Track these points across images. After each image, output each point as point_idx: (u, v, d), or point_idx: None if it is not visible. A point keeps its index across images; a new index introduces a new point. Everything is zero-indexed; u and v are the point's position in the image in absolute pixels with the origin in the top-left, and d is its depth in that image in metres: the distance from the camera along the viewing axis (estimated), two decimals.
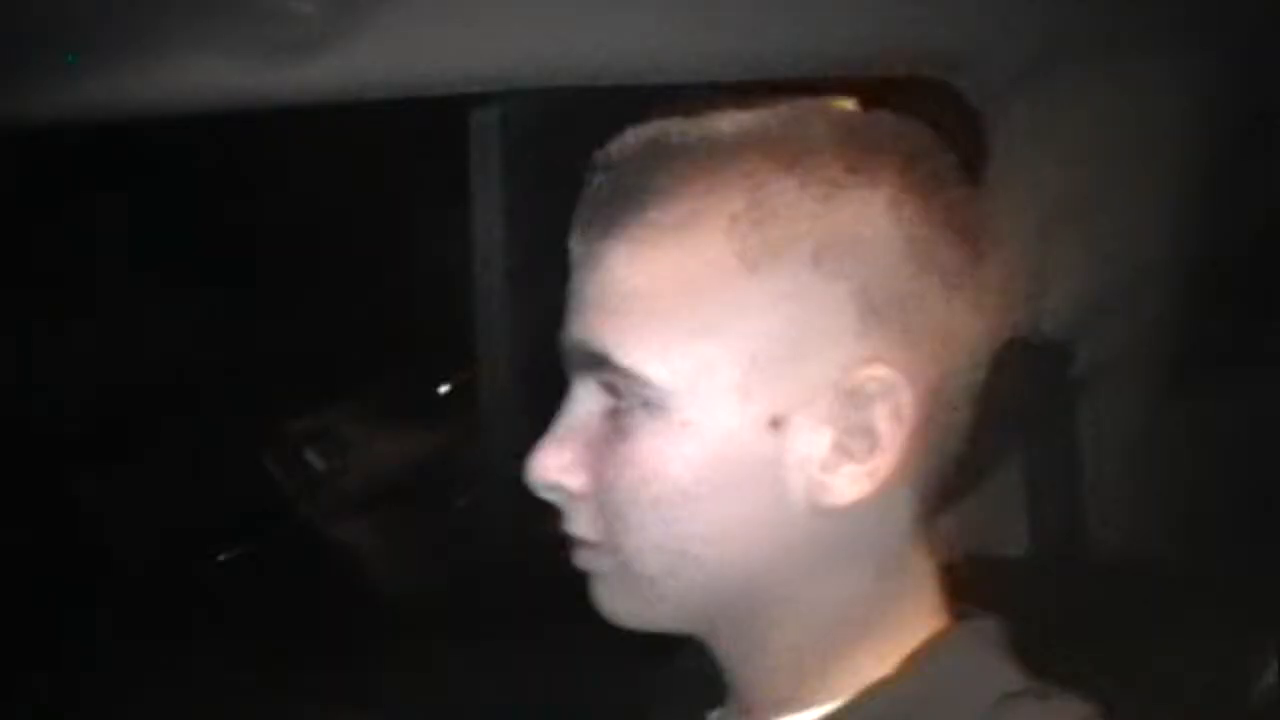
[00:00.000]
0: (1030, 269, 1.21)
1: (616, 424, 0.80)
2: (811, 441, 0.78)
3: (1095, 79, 1.23)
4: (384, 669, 1.87)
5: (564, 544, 0.85)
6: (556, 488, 0.82)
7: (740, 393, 0.77)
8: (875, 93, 0.86)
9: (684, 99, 0.84)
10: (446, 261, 1.84)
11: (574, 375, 0.83)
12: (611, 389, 0.80)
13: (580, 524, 0.83)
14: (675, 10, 1.10)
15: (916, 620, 0.83)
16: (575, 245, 0.82)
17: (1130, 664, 0.92)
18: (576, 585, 0.85)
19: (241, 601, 1.99)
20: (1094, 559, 1.29)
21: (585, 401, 0.82)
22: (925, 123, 0.83)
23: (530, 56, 1.15)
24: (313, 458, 1.90)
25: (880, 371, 0.77)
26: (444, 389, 2.04)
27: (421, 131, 1.70)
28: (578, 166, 0.83)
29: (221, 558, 2.04)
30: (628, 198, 0.79)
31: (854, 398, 0.77)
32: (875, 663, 0.82)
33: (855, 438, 0.78)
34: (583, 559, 0.84)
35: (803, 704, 0.83)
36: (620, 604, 0.83)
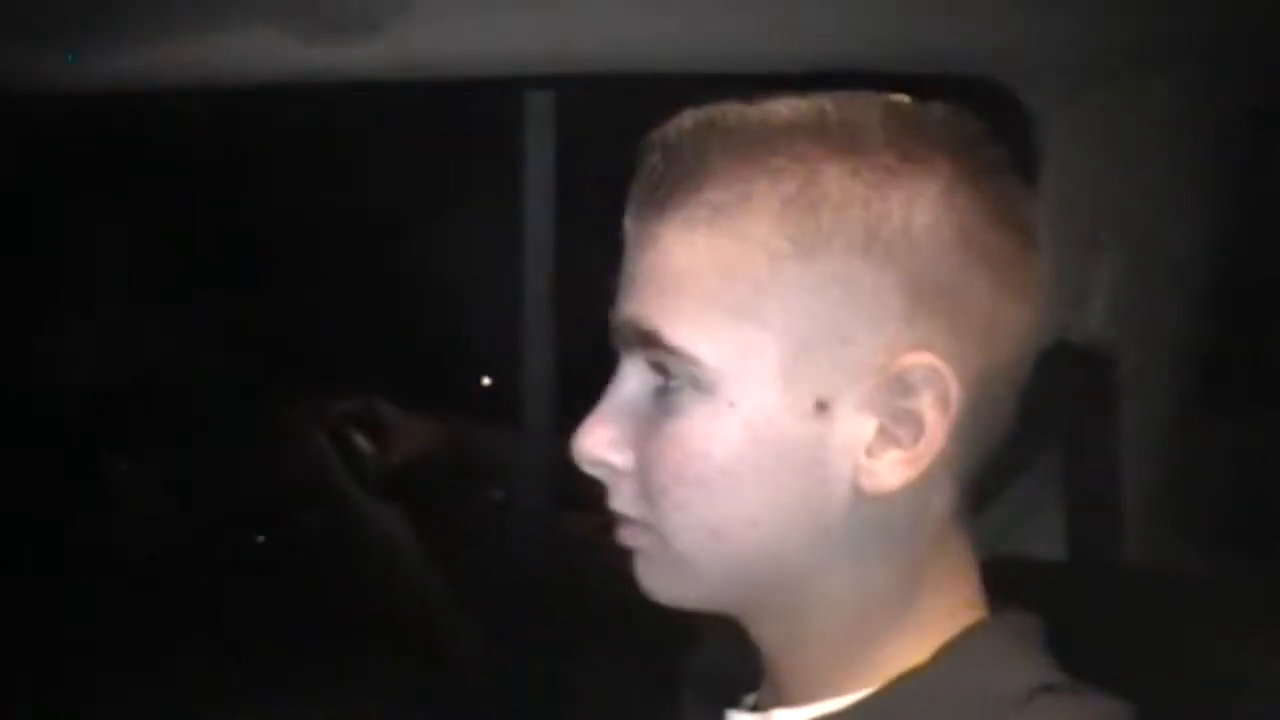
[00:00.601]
0: (1076, 271, 1.21)
1: (663, 402, 0.80)
2: (856, 426, 0.78)
3: (1148, 85, 1.23)
4: (405, 659, 1.88)
5: (600, 536, 0.85)
6: (602, 464, 0.83)
7: (787, 375, 0.78)
8: (928, 90, 0.85)
9: (731, 89, 0.84)
10: (493, 251, 1.85)
11: (623, 353, 0.83)
12: (660, 367, 0.80)
13: (623, 500, 0.83)
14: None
15: (952, 611, 0.83)
16: (629, 224, 0.83)
17: (1157, 668, 0.91)
18: (605, 582, 0.85)
19: (268, 587, 2.00)
20: (1126, 564, 1.28)
21: (633, 379, 0.83)
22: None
23: (579, 41, 1.15)
24: (361, 440, 1.90)
25: (927, 359, 0.77)
26: (486, 381, 2.05)
27: (474, 116, 1.71)
28: (627, 154, 0.83)
29: (260, 539, 2.05)
30: (682, 178, 0.79)
31: (900, 384, 0.78)
32: (909, 651, 0.82)
33: (900, 424, 0.78)
34: (625, 535, 0.84)
35: (837, 689, 0.83)
36: (660, 581, 0.84)
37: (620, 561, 0.86)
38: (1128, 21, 1.17)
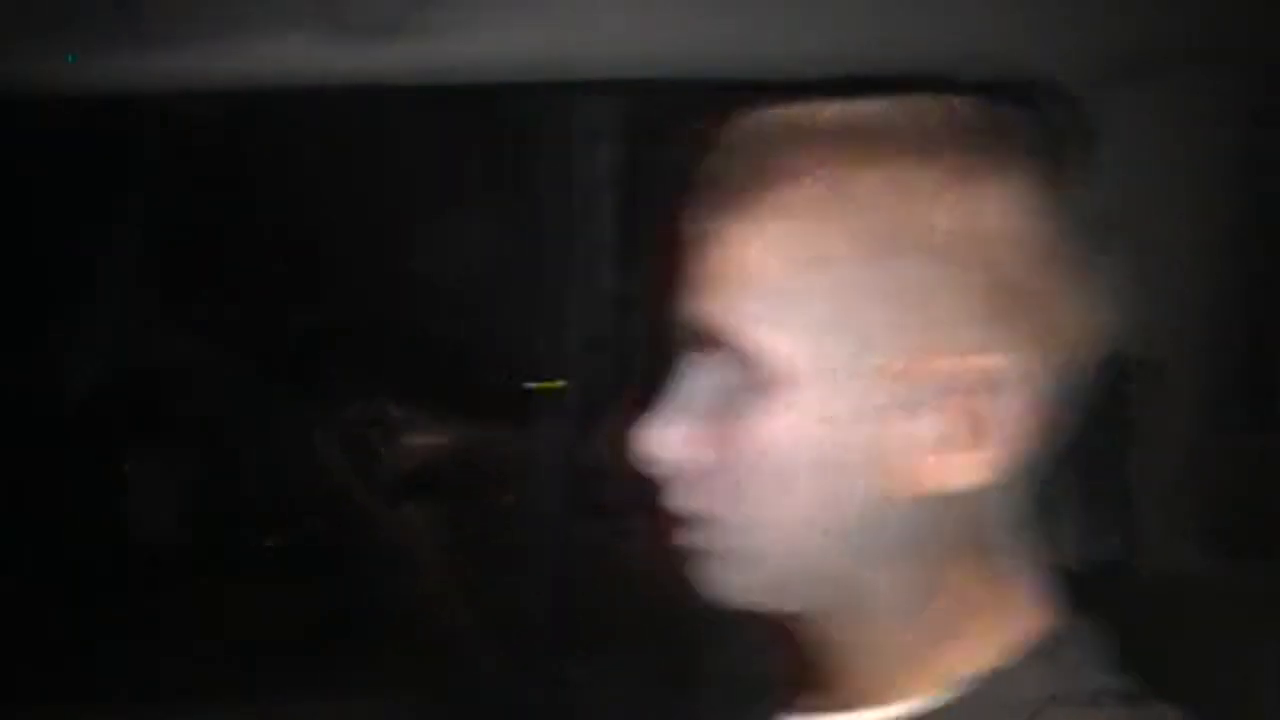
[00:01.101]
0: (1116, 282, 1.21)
1: (730, 401, 0.80)
2: (924, 427, 0.78)
3: (1191, 89, 1.23)
4: (409, 659, 1.88)
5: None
6: (666, 462, 0.83)
7: (856, 375, 0.78)
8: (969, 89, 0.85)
9: (773, 96, 0.83)
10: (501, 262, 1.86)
11: (686, 352, 0.83)
12: (727, 366, 0.80)
13: (685, 499, 0.83)
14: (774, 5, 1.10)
15: (1020, 613, 0.83)
16: (691, 224, 0.82)
17: (1173, 673, 0.92)
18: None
19: (280, 587, 2.00)
20: (1138, 569, 1.29)
21: (698, 378, 0.82)
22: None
23: (607, 49, 1.15)
24: (374, 439, 1.89)
25: (1000, 362, 0.77)
26: (532, 385, 2.05)
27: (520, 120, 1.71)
28: (673, 162, 0.83)
29: (269, 544, 2.05)
30: (752, 176, 0.79)
31: (970, 387, 0.77)
32: (974, 655, 0.82)
33: (969, 426, 0.78)
34: (687, 535, 0.84)
35: (900, 693, 0.83)
36: (725, 581, 0.83)
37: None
38: (1167, 26, 1.18)
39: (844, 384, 0.78)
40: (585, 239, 1.75)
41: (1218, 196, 1.28)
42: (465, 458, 1.91)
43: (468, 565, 1.93)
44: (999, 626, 0.82)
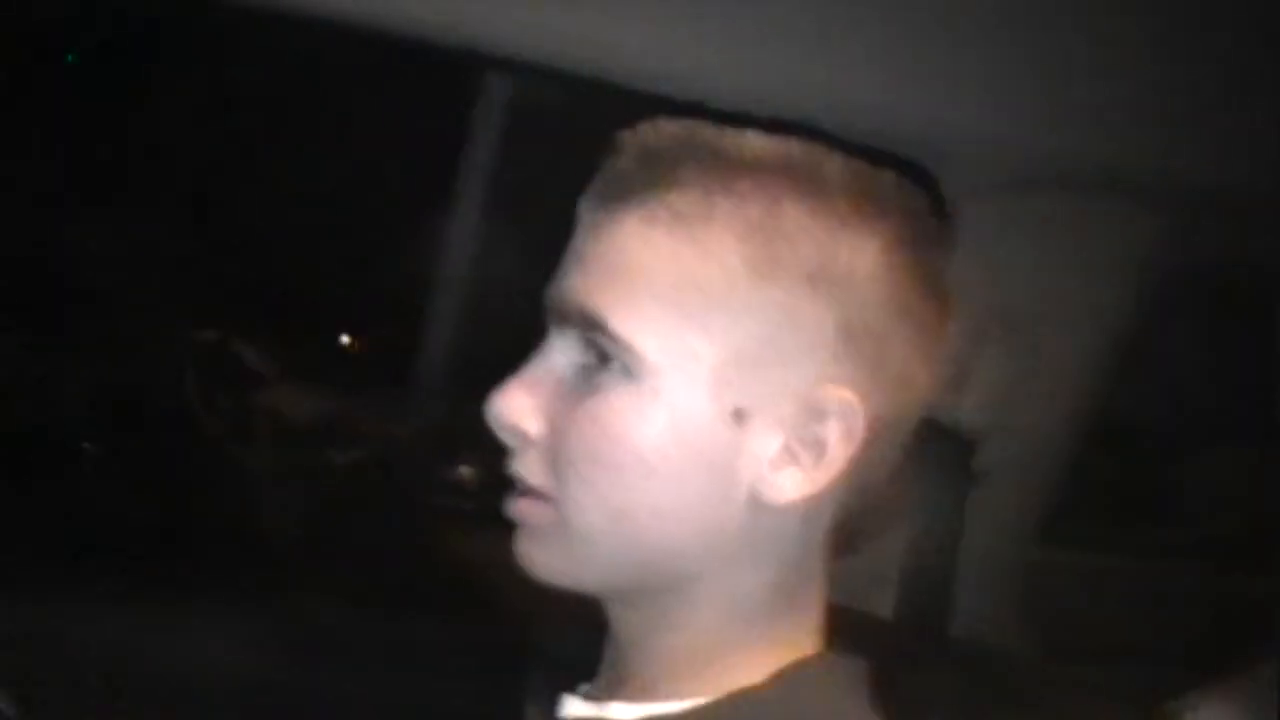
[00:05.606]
0: (960, 356, 1.27)
1: (589, 380, 0.84)
2: (767, 440, 0.84)
3: (1060, 207, 1.30)
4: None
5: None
6: (516, 429, 0.86)
7: (716, 381, 0.83)
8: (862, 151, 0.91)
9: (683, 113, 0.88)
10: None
11: (555, 327, 0.87)
12: (593, 348, 0.84)
13: (527, 469, 0.86)
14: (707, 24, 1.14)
15: (798, 637, 0.88)
16: (586, 209, 0.87)
17: None
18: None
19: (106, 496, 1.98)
20: (948, 632, 1.34)
21: (560, 353, 0.86)
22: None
23: (550, 34, 1.17)
24: (229, 381, 1.89)
25: (844, 393, 0.83)
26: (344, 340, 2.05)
27: (429, 86, 1.72)
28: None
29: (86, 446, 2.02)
30: (652, 178, 0.84)
31: (814, 411, 0.83)
32: (750, 667, 0.86)
33: (806, 447, 0.84)
34: (520, 508, 0.87)
35: (674, 692, 0.87)
36: (549, 558, 0.87)
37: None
38: (1053, 140, 1.24)
39: (697, 386, 0.83)
40: (466, 205, 1.77)
41: (1072, 315, 1.35)
42: (311, 415, 1.92)
43: (292, 507, 1.93)
44: (780, 644, 0.87)
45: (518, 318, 0.90)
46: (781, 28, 1.15)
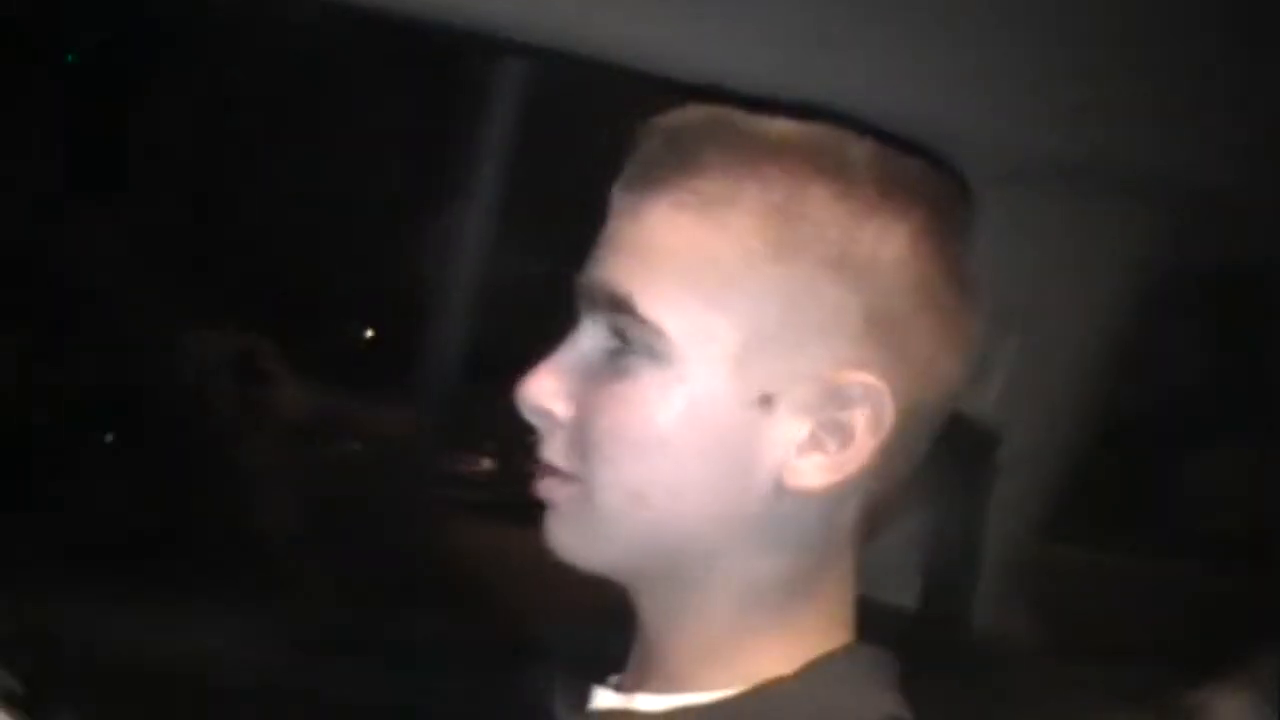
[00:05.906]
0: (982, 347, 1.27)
1: (615, 364, 0.85)
2: (792, 425, 0.83)
3: (1060, 206, 1.30)
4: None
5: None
6: (544, 412, 0.86)
7: (740, 365, 0.83)
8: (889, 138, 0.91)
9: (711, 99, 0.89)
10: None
11: (586, 313, 0.87)
12: (620, 332, 0.85)
13: (555, 451, 0.87)
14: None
15: (826, 628, 0.88)
16: (617, 195, 0.87)
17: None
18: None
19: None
20: (970, 627, 1.34)
21: (591, 338, 0.87)
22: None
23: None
24: (243, 375, 1.89)
25: (869, 379, 0.83)
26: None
27: (439, 72, 1.71)
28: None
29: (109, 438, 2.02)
30: (680, 163, 0.84)
31: (840, 396, 0.83)
32: (778, 659, 0.86)
33: (832, 433, 0.83)
34: (547, 488, 0.87)
35: (701, 684, 0.87)
36: (573, 538, 0.88)
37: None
38: (1053, 139, 1.23)
39: (724, 370, 0.83)
40: (490, 191, 1.77)
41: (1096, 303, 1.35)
42: (324, 420, 1.92)
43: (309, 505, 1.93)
44: (807, 635, 0.87)
45: (527, 313, 0.90)
46: (781, 24, 1.14)
